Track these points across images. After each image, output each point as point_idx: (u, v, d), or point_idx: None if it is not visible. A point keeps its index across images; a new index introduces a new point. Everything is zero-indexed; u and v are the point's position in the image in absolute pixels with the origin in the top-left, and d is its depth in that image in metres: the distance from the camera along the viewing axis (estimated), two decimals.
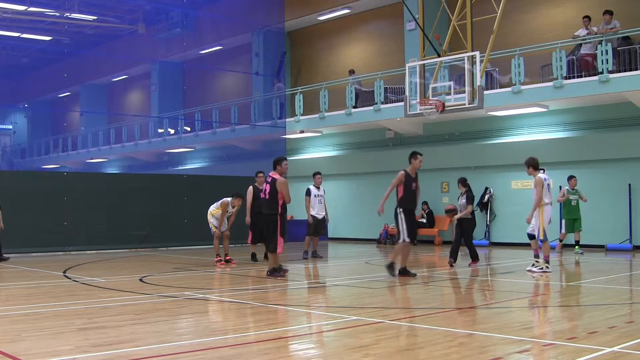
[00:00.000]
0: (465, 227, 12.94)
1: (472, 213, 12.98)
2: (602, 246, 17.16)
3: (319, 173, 15.63)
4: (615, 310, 7.98)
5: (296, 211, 21.53)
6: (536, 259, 11.84)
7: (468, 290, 9.99)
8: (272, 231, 11.13)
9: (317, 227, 15.37)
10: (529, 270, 11.69)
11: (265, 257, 14.34)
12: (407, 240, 10.91)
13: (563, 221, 15.94)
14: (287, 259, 15.15)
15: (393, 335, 6.21)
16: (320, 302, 8.92)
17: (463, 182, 13.11)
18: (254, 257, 14.64)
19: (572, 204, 15.66)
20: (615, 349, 5.46)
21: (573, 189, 15.72)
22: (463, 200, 12.93)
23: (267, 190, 11.24)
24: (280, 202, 11.15)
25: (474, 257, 12.96)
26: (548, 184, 11.86)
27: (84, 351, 5.59)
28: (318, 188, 15.39)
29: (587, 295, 9.37)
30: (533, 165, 11.81)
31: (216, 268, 13.22)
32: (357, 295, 9.39)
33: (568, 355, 5.34)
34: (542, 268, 11.61)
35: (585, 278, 11.67)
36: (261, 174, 14.33)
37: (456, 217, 12.97)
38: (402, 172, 11.05)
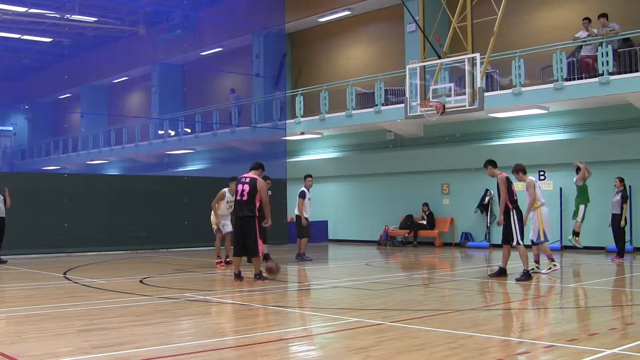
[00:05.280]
0: (616, 223, 14.54)
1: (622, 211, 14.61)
2: (602, 248, 17.16)
3: (310, 176, 15.58)
4: (615, 312, 7.99)
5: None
6: (537, 264, 11.85)
7: (468, 292, 9.99)
8: (253, 235, 10.69)
9: (310, 230, 15.36)
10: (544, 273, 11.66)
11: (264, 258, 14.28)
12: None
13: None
14: (287, 262, 15.14)
15: (393, 337, 6.21)
16: (321, 304, 8.91)
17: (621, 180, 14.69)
18: (266, 257, 14.46)
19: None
20: (615, 350, 5.47)
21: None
22: (618, 198, 14.44)
23: (246, 191, 10.72)
24: (258, 204, 10.73)
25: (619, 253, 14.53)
26: (539, 186, 12.06)
27: (85, 352, 5.59)
28: (309, 190, 15.36)
29: (587, 297, 9.36)
30: (522, 170, 11.83)
31: (216, 270, 13.22)
32: (358, 297, 9.38)
33: (568, 357, 5.34)
34: (532, 268, 11.58)
35: (586, 280, 11.67)
36: (269, 181, 14.16)
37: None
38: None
